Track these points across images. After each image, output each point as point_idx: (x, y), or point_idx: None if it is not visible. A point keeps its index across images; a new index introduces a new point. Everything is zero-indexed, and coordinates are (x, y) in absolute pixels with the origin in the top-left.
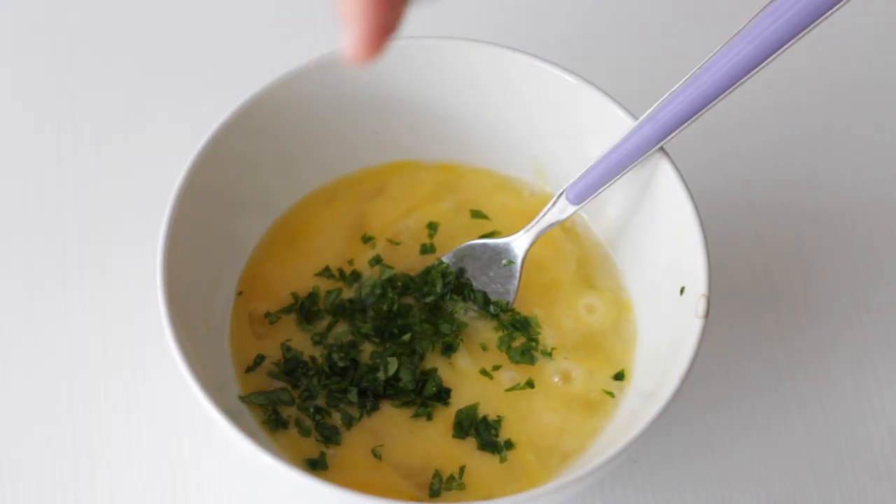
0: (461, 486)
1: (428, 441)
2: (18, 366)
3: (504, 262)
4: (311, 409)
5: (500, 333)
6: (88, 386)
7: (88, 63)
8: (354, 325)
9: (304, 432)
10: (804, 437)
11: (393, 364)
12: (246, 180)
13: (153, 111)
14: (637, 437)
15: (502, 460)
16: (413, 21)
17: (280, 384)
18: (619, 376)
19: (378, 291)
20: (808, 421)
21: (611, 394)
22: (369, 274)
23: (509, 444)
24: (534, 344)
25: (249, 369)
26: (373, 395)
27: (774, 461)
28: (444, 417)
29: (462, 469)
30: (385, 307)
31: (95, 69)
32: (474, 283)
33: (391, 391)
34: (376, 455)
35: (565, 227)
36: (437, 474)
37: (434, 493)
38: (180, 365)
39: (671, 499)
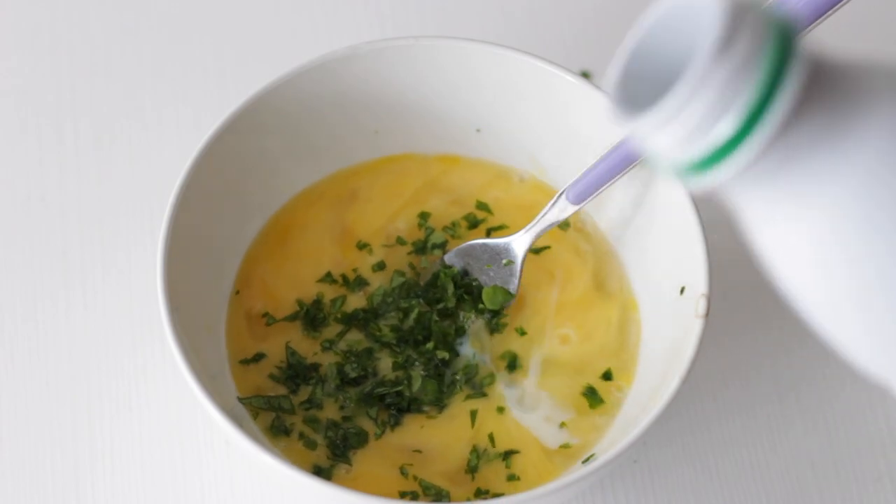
0: (503, 459)
1: (459, 438)
2: (19, 365)
3: (504, 261)
4: (324, 423)
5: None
6: (89, 386)
7: (89, 63)
8: (370, 333)
9: (310, 445)
10: (804, 437)
11: (417, 379)
12: (246, 180)
13: (154, 110)
14: (637, 437)
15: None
16: (413, 21)
17: (280, 389)
18: (624, 373)
19: (390, 300)
20: (808, 421)
21: (617, 389)
22: (379, 283)
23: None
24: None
25: (246, 361)
26: (396, 410)
27: (775, 461)
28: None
29: (491, 436)
30: (402, 315)
31: (96, 69)
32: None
33: (415, 405)
34: (404, 473)
35: (577, 228)
36: (474, 449)
37: (472, 469)
38: (181, 365)
39: (671, 498)
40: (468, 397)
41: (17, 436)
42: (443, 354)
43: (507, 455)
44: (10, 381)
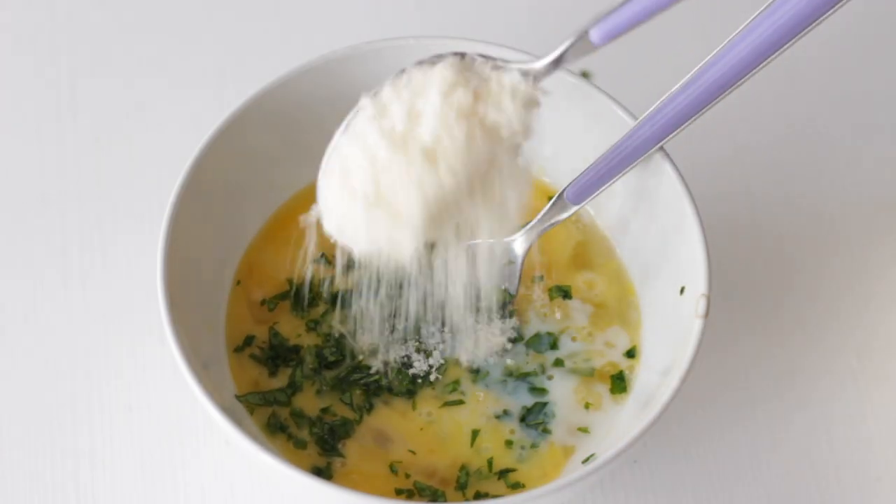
0: (491, 476)
1: (450, 436)
2: (19, 365)
3: (504, 262)
4: (307, 418)
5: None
6: (89, 386)
7: (89, 63)
8: (352, 314)
9: (300, 445)
10: (804, 437)
11: (393, 368)
12: (246, 179)
13: (154, 110)
14: (637, 438)
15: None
16: (413, 21)
17: (261, 370)
18: (631, 354)
19: (376, 282)
20: (808, 421)
21: (624, 372)
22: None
23: (546, 428)
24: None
25: (238, 349)
26: (370, 395)
27: (774, 461)
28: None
29: (490, 461)
30: (386, 299)
31: (96, 68)
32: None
33: (388, 393)
34: (393, 470)
35: (571, 219)
36: (463, 468)
37: (461, 487)
38: (181, 365)
39: (671, 499)
40: (445, 404)
41: (18, 435)
42: (419, 346)
43: (504, 473)
44: (10, 381)
